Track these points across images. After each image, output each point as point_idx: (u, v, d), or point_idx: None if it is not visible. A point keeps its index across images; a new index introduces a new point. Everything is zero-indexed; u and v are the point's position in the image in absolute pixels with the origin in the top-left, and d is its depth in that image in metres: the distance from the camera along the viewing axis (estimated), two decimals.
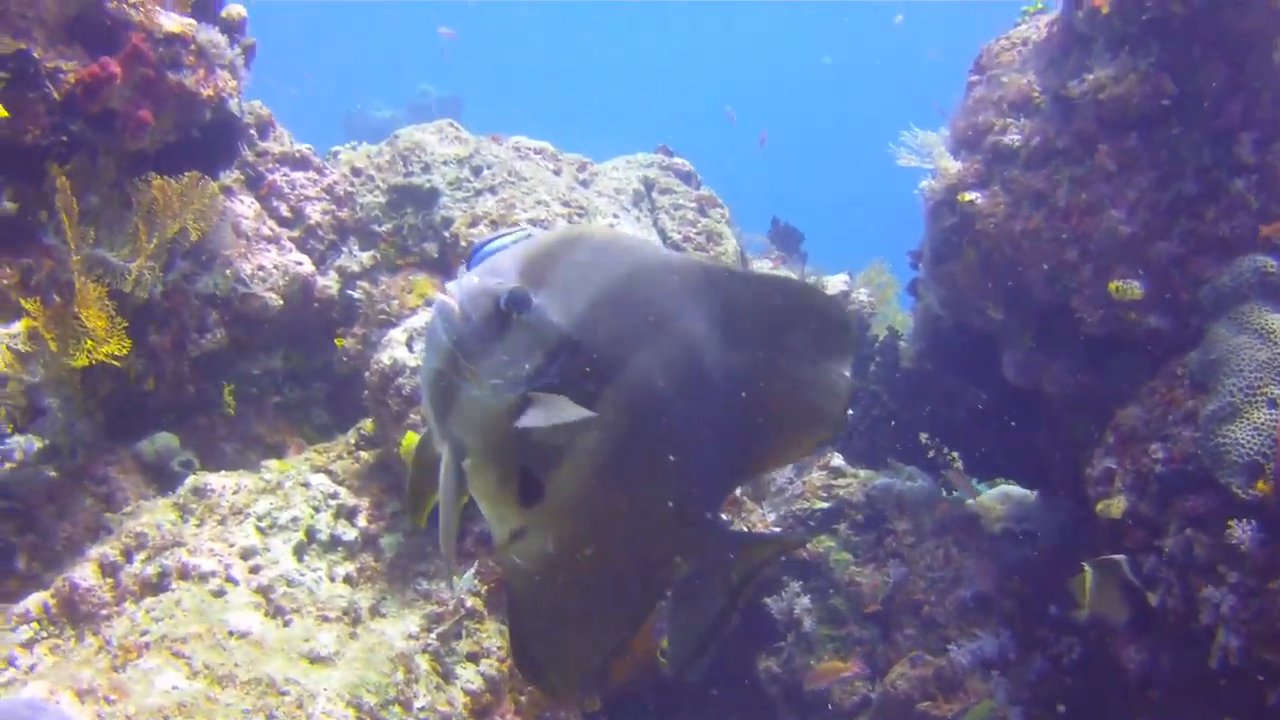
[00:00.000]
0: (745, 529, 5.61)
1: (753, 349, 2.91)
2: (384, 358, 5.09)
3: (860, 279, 8.80)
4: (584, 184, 6.51)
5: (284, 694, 3.96)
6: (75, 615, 4.56)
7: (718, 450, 2.91)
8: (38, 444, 4.74)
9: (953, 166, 5.65)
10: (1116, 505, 4.96)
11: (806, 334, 2.94)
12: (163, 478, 5.30)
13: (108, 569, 4.67)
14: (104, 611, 4.56)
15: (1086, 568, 4.62)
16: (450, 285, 2.45)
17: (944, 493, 7.00)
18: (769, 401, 2.98)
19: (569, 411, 2.51)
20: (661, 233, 6.24)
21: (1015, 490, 7.14)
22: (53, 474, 4.85)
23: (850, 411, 7.24)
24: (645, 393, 2.64)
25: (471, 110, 24.35)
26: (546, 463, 2.56)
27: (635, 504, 2.76)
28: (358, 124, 22.78)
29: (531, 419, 2.48)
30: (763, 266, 7.07)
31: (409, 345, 5.10)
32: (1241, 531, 4.41)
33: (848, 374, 3.07)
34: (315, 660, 4.22)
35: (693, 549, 2.98)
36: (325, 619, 4.51)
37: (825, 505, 6.62)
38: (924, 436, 7.19)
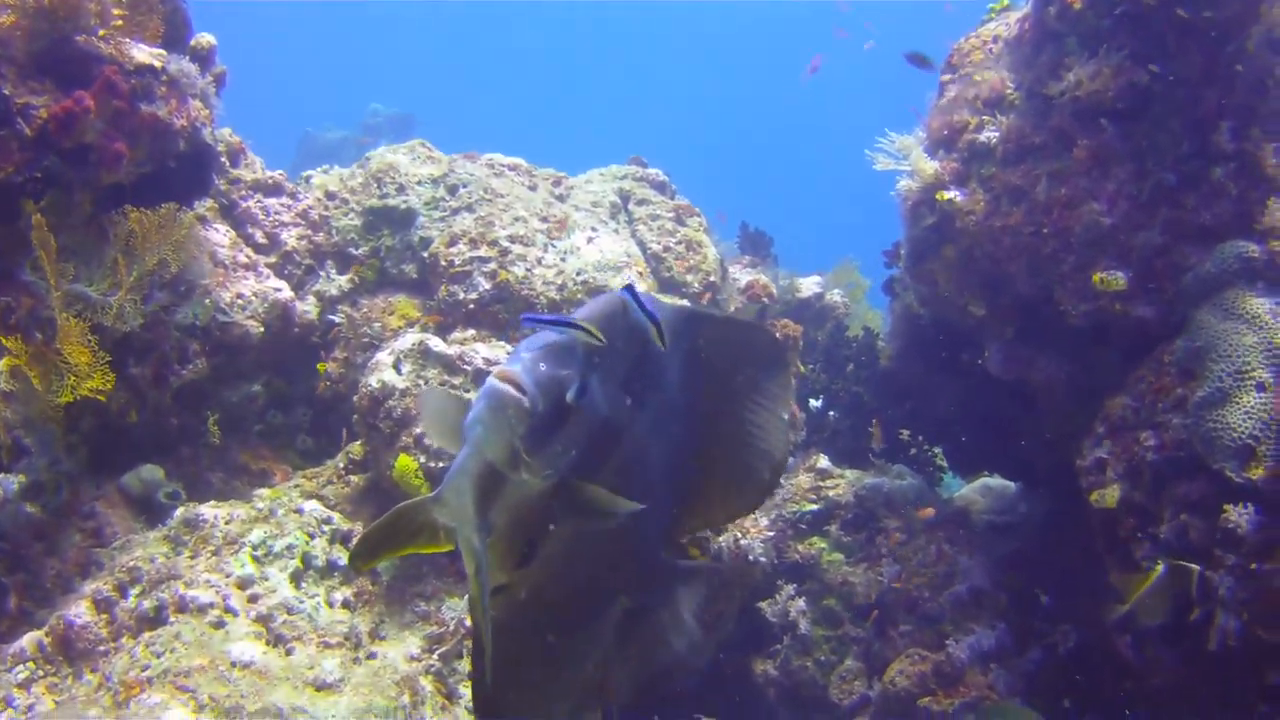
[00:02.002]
0: (739, 534, 5.60)
1: (709, 395, 2.99)
2: (372, 381, 5.07)
3: (830, 278, 8.81)
4: (560, 198, 6.51)
5: None
6: (72, 653, 4.52)
7: (672, 491, 2.99)
8: (18, 482, 4.70)
9: (930, 167, 5.66)
10: (1111, 494, 4.98)
11: (751, 376, 3.03)
12: (150, 510, 5.25)
13: (102, 605, 4.63)
14: (101, 648, 4.52)
15: (1159, 565, 4.56)
16: (510, 369, 2.39)
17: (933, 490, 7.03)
18: (716, 446, 3.03)
19: (619, 503, 2.58)
20: (641, 244, 6.24)
21: (996, 483, 7.18)
22: (38, 512, 4.81)
23: (832, 413, 7.27)
24: (637, 455, 2.72)
25: (424, 128, 24.28)
26: (547, 531, 2.61)
27: (604, 549, 2.85)
28: (310, 146, 22.70)
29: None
30: (736, 273, 7.07)
31: (396, 368, 5.08)
32: (1239, 515, 4.43)
33: (786, 417, 3.11)
34: (321, 688, 4.20)
35: (637, 585, 3.08)
36: (327, 645, 4.49)
37: (815, 507, 6.62)
38: (905, 434, 7.20)
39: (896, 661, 5.77)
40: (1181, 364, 4.86)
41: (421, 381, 5.04)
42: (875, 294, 7.65)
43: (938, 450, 7.20)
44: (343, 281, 6.14)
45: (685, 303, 6.06)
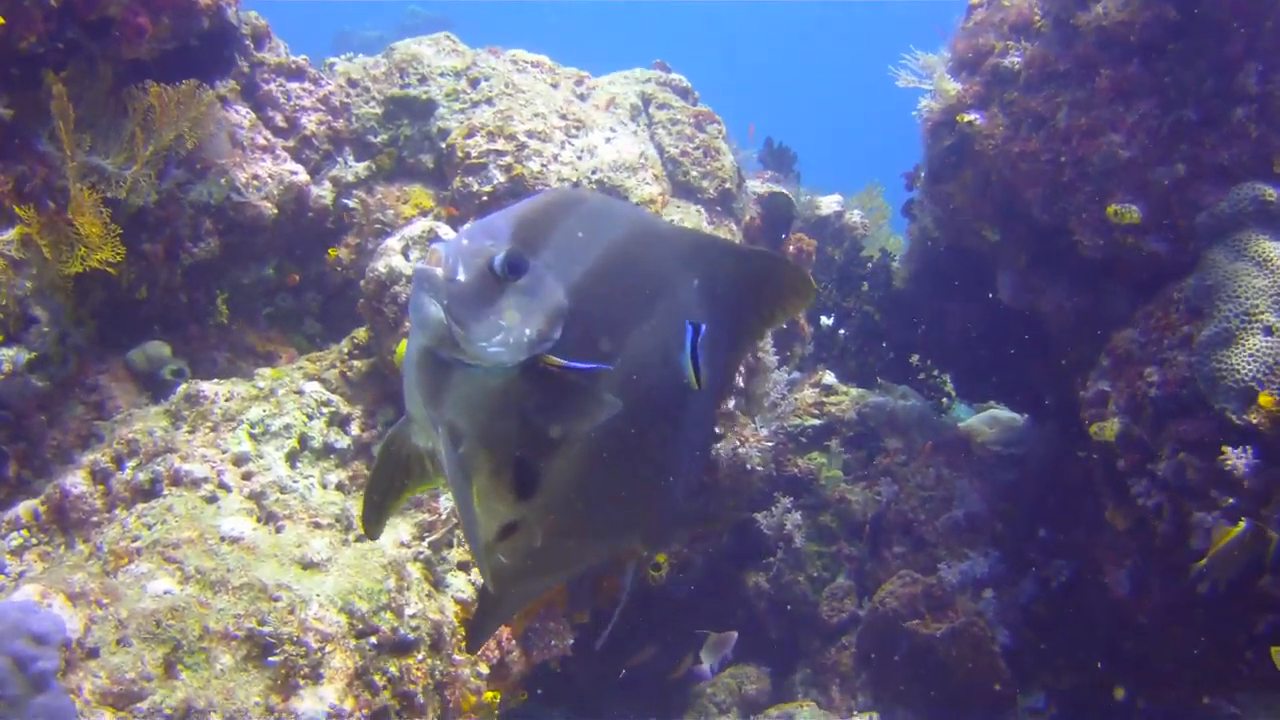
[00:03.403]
0: (738, 443, 5.60)
1: (729, 319, 2.84)
2: (380, 266, 5.04)
3: (854, 201, 8.76)
4: (581, 98, 6.44)
5: (276, 599, 3.93)
6: (65, 522, 4.54)
7: (693, 426, 2.81)
8: (26, 355, 4.70)
9: (952, 88, 5.63)
10: (1110, 428, 4.97)
11: (772, 292, 2.89)
12: (154, 386, 5.25)
13: (99, 476, 4.64)
14: (95, 518, 4.53)
15: (1242, 523, 4.50)
16: (434, 246, 2.26)
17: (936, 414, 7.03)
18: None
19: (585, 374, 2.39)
20: (659, 148, 6.18)
21: (1004, 414, 7.17)
22: (44, 383, 4.81)
23: (842, 331, 7.25)
24: (643, 371, 2.51)
25: (459, 30, 24.19)
26: (545, 449, 2.42)
27: (625, 490, 2.67)
28: (345, 44, 22.59)
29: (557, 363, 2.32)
30: (755, 185, 7.01)
31: (405, 254, 5.05)
32: (1238, 457, 4.42)
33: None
34: (308, 566, 4.19)
35: (659, 534, 2.97)
36: (318, 525, 4.49)
37: (817, 422, 6.63)
38: (915, 358, 7.18)
39: (888, 583, 5.78)
40: (1190, 302, 4.83)
41: None
42: (899, 220, 7.57)
43: (945, 377, 7.18)
44: (360, 169, 6.09)
45: (700, 209, 6.02)
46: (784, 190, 7.09)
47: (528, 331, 2.27)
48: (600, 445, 2.47)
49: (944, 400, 7.20)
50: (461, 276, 2.23)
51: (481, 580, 4.64)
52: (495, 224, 2.35)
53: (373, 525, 2.67)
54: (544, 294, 2.31)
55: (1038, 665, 5.67)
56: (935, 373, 7.17)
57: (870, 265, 7.27)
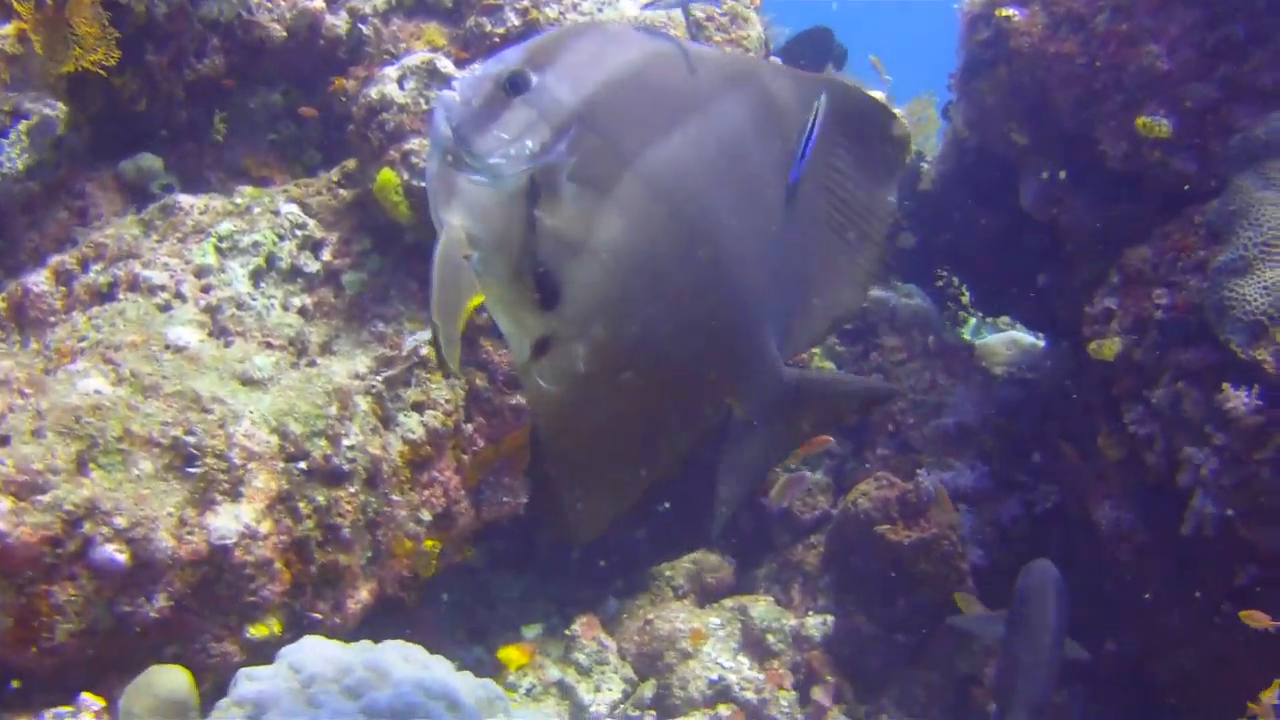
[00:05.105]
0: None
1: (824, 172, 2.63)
2: (372, 92, 4.88)
3: (904, 110, 8.51)
4: None
5: (207, 411, 3.82)
6: (23, 320, 4.47)
7: (773, 272, 2.61)
8: (21, 160, 4.60)
9: None
10: (1110, 346, 4.80)
11: (855, 146, 2.67)
12: (141, 199, 5.12)
13: (62, 277, 4.55)
14: (53, 318, 4.44)
15: None
16: (454, 81, 2.33)
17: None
18: (815, 220, 2.72)
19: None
20: (684, 10, 5.97)
21: (1024, 338, 7.02)
22: (33, 185, 4.71)
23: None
24: (675, 175, 2.39)
25: None
26: (563, 256, 2.32)
27: (674, 314, 2.47)
28: None
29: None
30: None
31: (400, 83, 4.88)
32: (1237, 395, 4.23)
33: (892, 199, 2.82)
34: (247, 382, 4.08)
35: (748, 387, 2.69)
36: (269, 346, 4.37)
37: None
38: (942, 274, 7.01)
39: (862, 483, 5.59)
40: (1211, 225, 4.61)
41: (422, 100, 4.83)
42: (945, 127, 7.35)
43: (964, 287, 7.01)
44: (379, 2, 5.92)
45: None
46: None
47: (529, 143, 2.28)
48: (629, 251, 2.38)
49: (958, 310, 7.04)
50: (471, 97, 2.30)
51: (430, 422, 4.53)
52: (509, 50, 2.37)
53: (451, 350, 2.33)
54: (550, 106, 2.30)
55: (1010, 590, 5.51)
56: (955, 281, 6.99)
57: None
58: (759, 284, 2.59)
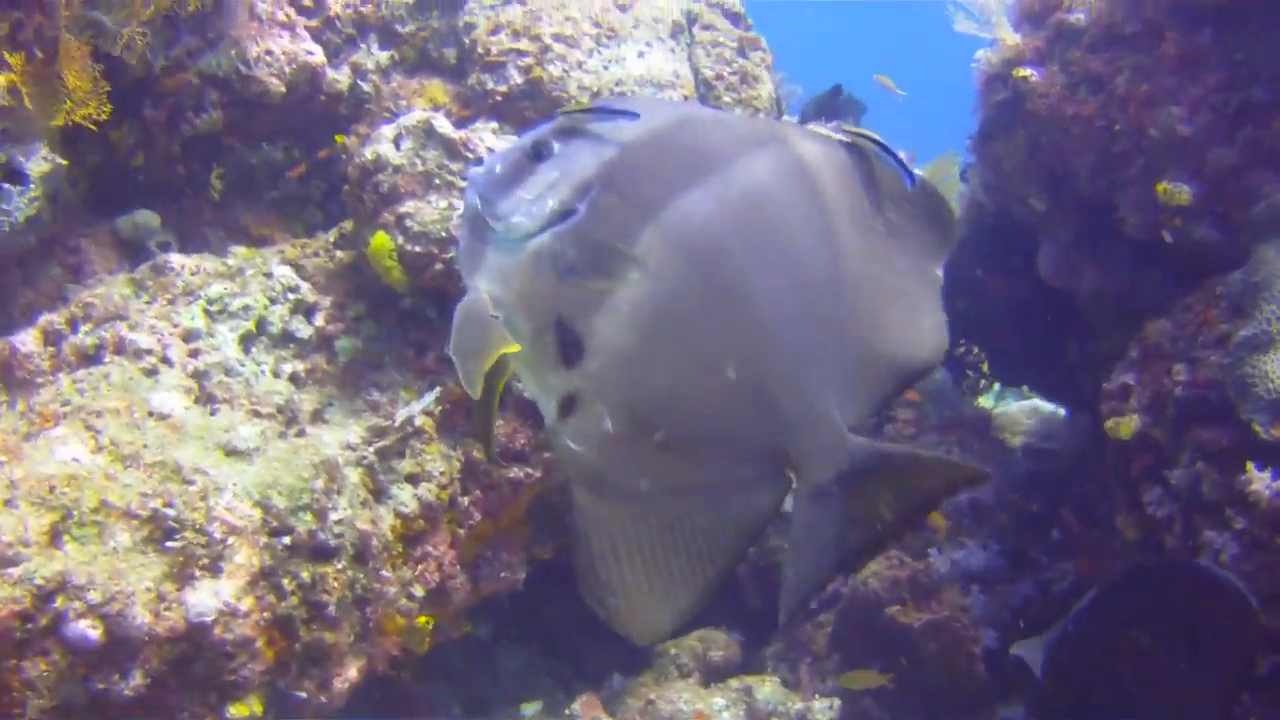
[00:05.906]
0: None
1: (833, 219, 2.48)
2: (367, 152, 4.77)
3: (928, 169, 8.39)
4: (621, 8, 6.13)
5: (189, 483, 3.69)
6: (11, 380, 4.35)
7: (821, 330, 2.47)
8: (22, 214, 4.52)
9: (1012, 39, 5.31)
10: (1126, 425, 4.65)
11: (895, 214, 2.58)
12: (137, 255, 5.05)
13: (50, 337, 4.44)
14: (39, 380, 4.32)
15: None
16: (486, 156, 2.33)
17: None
18: (860, 280, 2.55)
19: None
20: (694, 69, 5.88)
21: (1045, 406, 6.87)
22: (29, 240, 4.63)
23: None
24: (695, 227, 2.33)
25: None
26: (582, 308, 2.31)
27: (703, 368, 2.36)
28: None
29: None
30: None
31: (396, 142, 4.78)
32: (1260, 477, 4.08)
33: (940, 273, 2.68)
34: (231, 452, 3.95)
35: (804, 452, 2.46)
36: (257, 414, 4.24)
37: None
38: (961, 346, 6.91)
39: (874, 562, 5.45)
40: (1233, 297, 4.47)
41: (418, 161, 4.72)
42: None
43: (984, 356, 6.89)
44: (382, 58, 5.83)
45: None
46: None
47: (550, 201, 2.33)
48: (651, 306, 2.33)
49: (978, 380, 6.92)
50: (497, 166, 2.40)
51: (424, 495, 4.41)
52: (539, 123, 2.49)
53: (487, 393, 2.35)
54: (571, 168, 2.35)
55: (1023, 674, 5.35)
56: (975, 350, 6.87)
57: None
58: (803, 341, 2.45)
